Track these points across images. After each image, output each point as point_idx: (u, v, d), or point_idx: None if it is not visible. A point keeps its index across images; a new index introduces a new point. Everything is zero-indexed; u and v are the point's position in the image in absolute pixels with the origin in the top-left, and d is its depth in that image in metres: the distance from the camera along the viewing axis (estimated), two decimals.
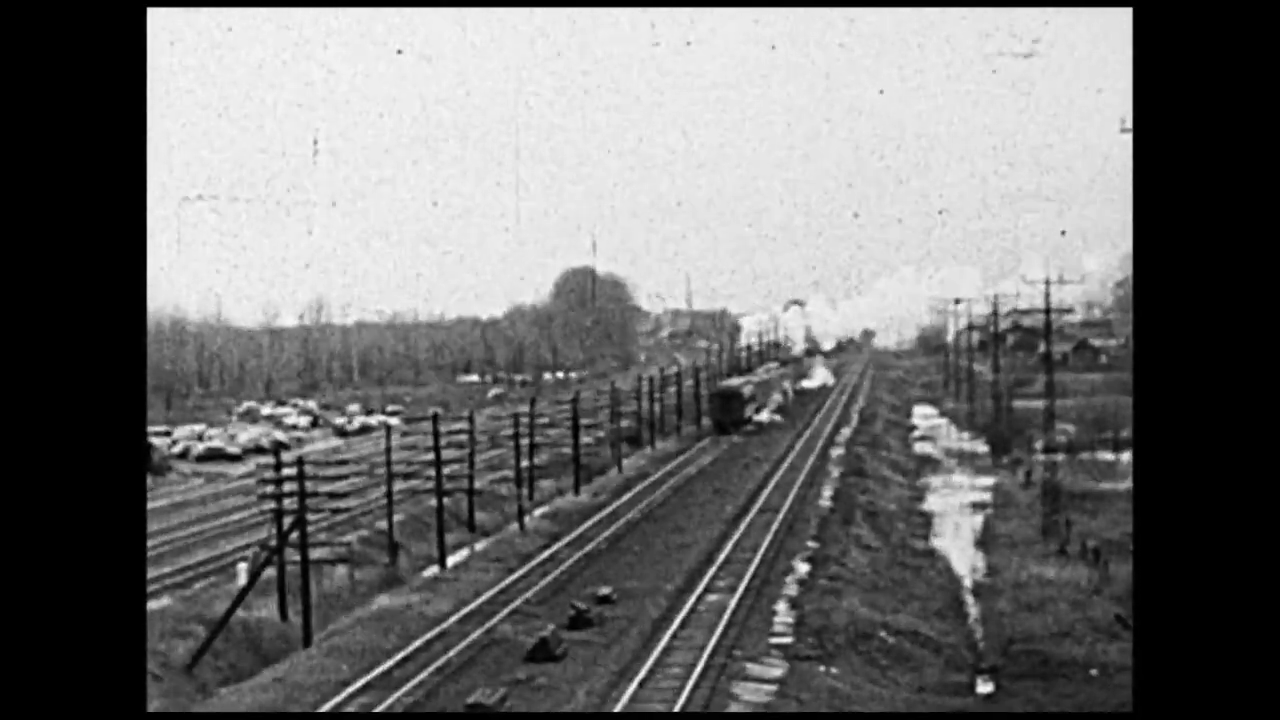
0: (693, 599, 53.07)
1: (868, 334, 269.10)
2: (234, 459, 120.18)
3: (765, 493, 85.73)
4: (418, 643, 47.38)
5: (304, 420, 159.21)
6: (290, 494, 53.24)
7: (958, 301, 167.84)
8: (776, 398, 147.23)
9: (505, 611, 52.34)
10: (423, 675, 42.99)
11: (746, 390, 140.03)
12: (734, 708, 39.34)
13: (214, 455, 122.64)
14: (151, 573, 63.13)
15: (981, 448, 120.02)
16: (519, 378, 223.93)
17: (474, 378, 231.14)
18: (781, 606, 53.30)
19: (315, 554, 54.11)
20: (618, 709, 37.91)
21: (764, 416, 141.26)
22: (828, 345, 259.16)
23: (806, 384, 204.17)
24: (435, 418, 72.16)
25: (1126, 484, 75.19)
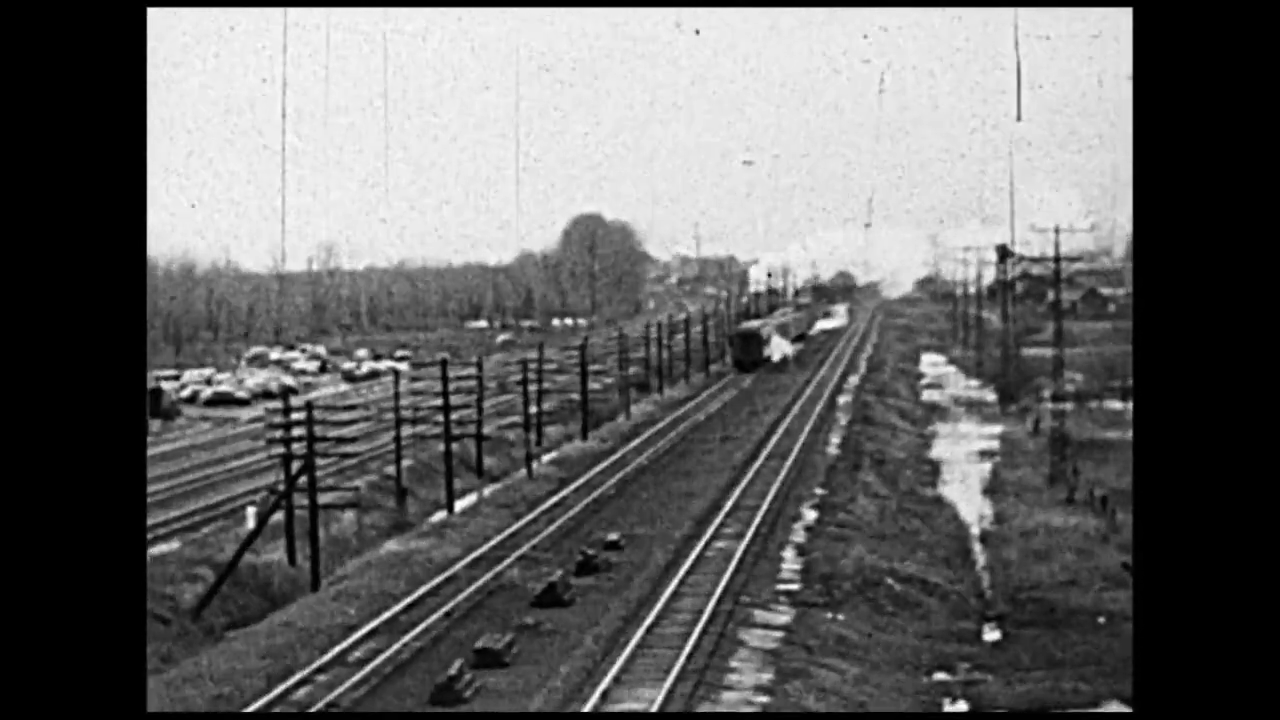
0: (700, 545, 53.11)
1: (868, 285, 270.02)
2: (242, 403, 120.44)
3: (774, 439, 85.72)
4: (426, 587, 47.46)
5: (312, 365, 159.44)
6: (299, 439, 53.34)
7: (967, 249, 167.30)
8: (787, 346, 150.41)
9: (513, 556, 52.40)
10: (430, 620, 43.07)
11: (765, 332, 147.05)
12: (742, 653, 39.42)
13: (222, 399, 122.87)
14: (160, 516, 63.34)
15: (990, 396, 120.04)
16: (527, 324, 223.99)
17: (482, 324, 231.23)
18: (789, 553, 53.38)
19: (324, 499, 54.20)
20: (626, 654, 37.96)
21: (778, 356, 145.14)
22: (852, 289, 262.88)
23: (823, 325, 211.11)
24: (444, 363, 72.12)
25: None
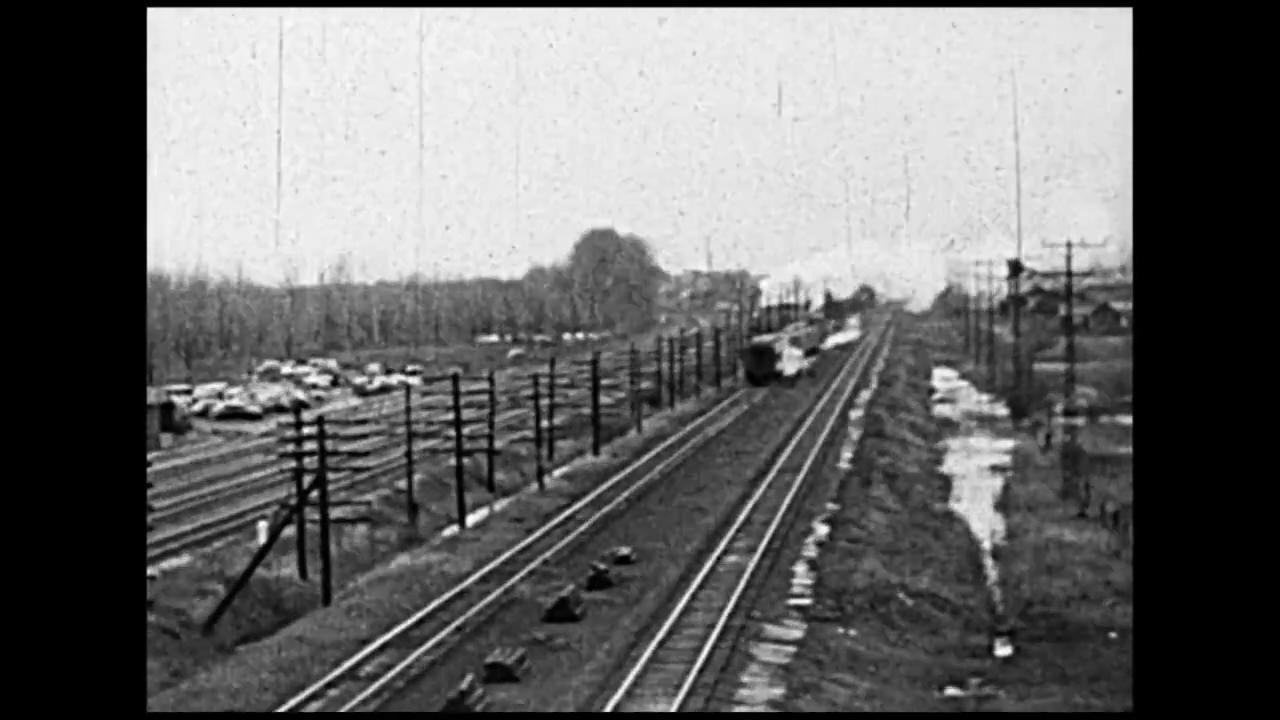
0: (712, 560, 53.07)
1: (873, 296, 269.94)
2: (254, 418, 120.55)
3: (785, 454, 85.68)
4: (437, 602, 47.46)
5: (324, 379, 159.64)
6: (310, 453, 53.35)
7: (978, 264, 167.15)
8: (800, 360, 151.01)
9: (524, 571, 52.41)
10: (442, 634, 43.06)
11: (778, 346, 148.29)
12: (753, 669, 39.36)
13: (234, 414, 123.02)
14: (171, 530, 63.38)
15: (1001, 410, 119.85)
16: (539, 338, 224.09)
17: (494, 338, 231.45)
18: (800, 568, 53.31)
19: (335, 513, 54.20)
20: (637, 669, 37.94)
21: (791, 370, 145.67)
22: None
23: (835, 339, 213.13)
24: (455, 378, 72.23)
25: None
